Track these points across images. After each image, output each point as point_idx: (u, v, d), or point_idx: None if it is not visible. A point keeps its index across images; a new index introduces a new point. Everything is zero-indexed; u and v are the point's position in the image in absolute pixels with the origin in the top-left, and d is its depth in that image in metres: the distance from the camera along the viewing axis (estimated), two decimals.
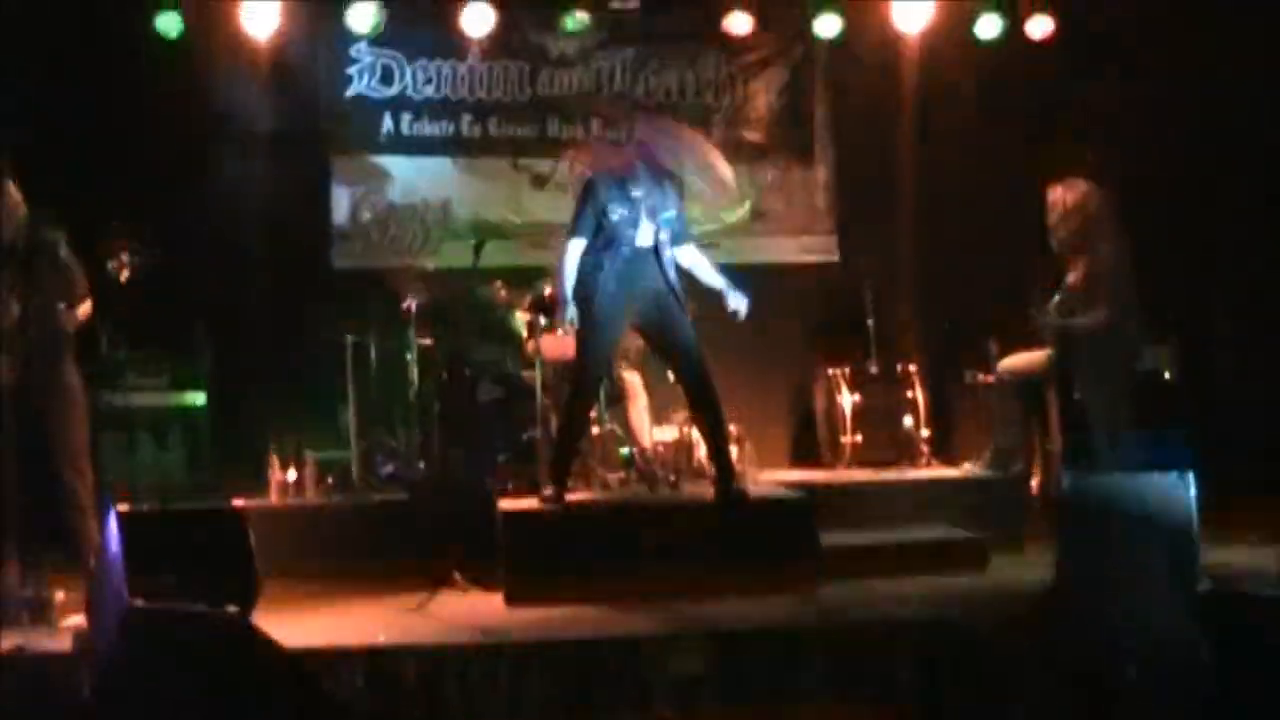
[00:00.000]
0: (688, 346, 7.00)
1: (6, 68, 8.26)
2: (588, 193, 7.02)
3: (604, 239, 6.89)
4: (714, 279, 7.20)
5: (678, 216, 7.08)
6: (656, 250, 6.92)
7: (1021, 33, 9.58)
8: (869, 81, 9.84)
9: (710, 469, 8.02)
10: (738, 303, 7.08)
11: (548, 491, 6.92)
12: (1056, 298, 7.46)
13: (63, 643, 5.71)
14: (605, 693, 5.40)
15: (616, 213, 6.87)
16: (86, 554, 6.48)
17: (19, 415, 6.66)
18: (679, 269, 7.04)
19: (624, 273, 6.86)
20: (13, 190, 6.75)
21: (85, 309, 6.82)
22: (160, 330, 7.71)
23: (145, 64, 9.02)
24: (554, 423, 7.63)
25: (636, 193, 6.92)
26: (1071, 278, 7.41)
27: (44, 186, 6.83)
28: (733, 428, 8.63)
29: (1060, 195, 7.48)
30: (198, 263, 8.74)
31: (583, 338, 6.97)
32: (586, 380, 7.04)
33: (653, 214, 6.93)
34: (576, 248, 6.96)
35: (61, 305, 6.69)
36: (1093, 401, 7.40)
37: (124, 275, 6.85)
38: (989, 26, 9.57)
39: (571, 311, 6.93)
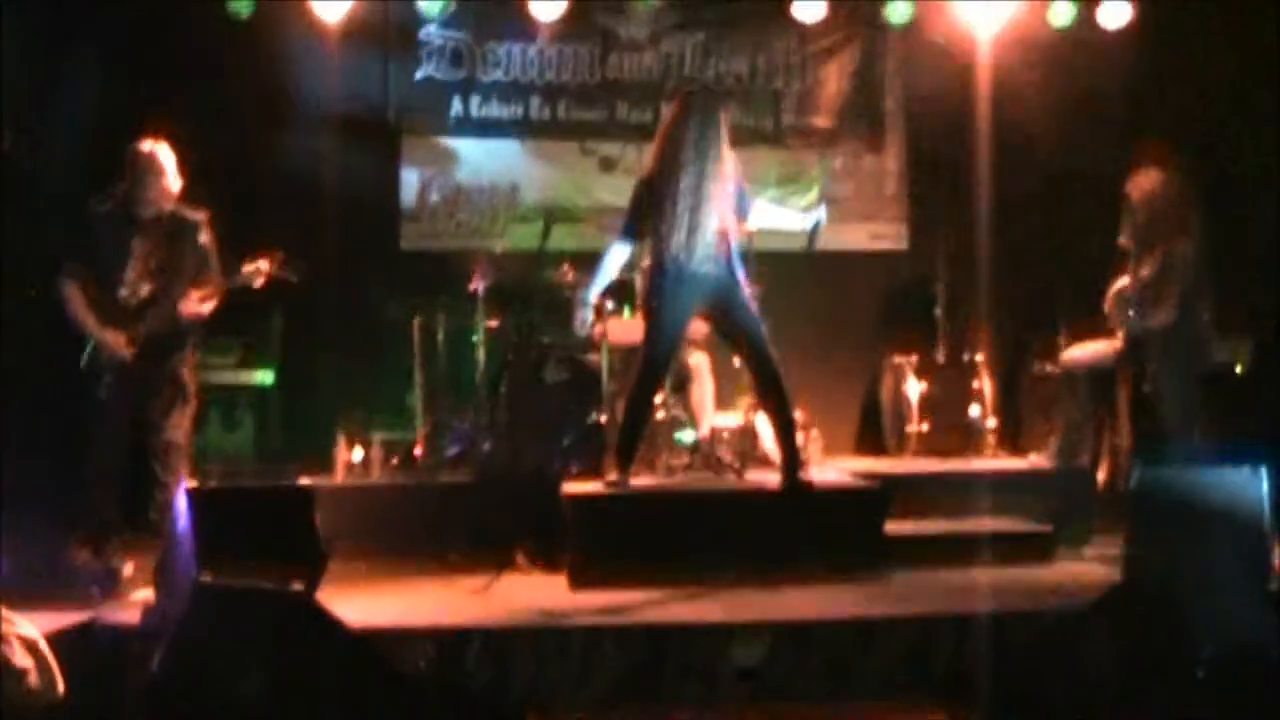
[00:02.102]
0: (754, 332, 6.93)
1: (84, 54, 8.37)
2: (644, 186, 6.95)
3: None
4: (789, 219, 7.35)
5: (735, 191, 6.91)
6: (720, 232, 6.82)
7: (1096, 21, 9.47)
8: (940, 68, 9.75)
9: (776, 456, 8.01)
10: (814, 218, 7.21)
11: (612, 476, 6.92)
12: (1129, 290, 7.38)
13: (132, 616, 5.77)
14: (669, 679, 5.38)
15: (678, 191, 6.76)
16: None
17: (129, 396, 6.71)
18: (744, 252, 6.95)
19: (702, 257, 6.76)
20: (161, 159, 6.76)
21: (209, 306, 6.84)
22: (230, 309, 7.74)
23: (217, 46, 9.08)
24: (620, 407, 7.62)
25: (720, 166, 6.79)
26: (1146, 270, 7.31)
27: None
28: (799, 415, 8.61)
29: (1139, 186, 7.39)
30: (268, 243, 8.79)
31: (650, 324, 6.94)
32: (652, 367, 6.98)
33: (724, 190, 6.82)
34: (621, 252, 7.01)
35: (192, 292, 6.73)
36: (1163, 395, 7.31)
37: (258, 282, 6.88)
38: (1061, 13, 9.47)
39: (587, 313, 7.01)
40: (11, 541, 5.98)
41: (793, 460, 6.93)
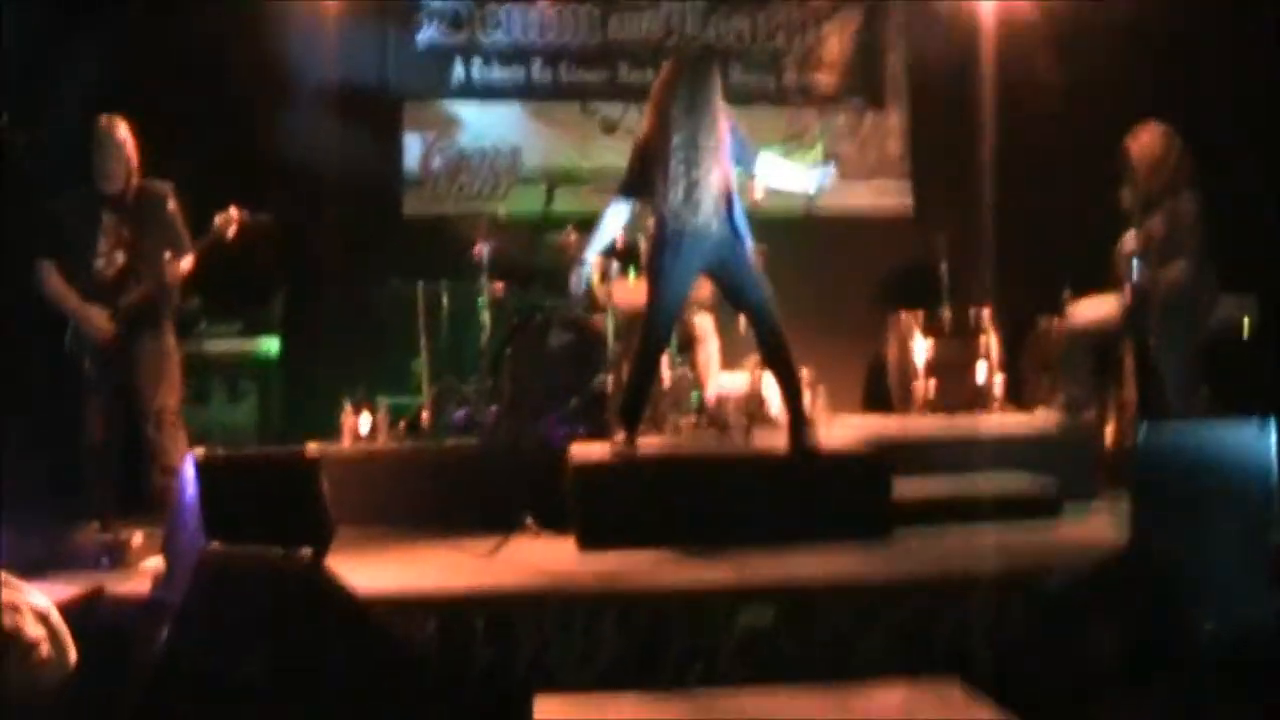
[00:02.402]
0: (757, 293, 6.90)
1: (87, 22, 8.35)
2: (643, 146, 6.93)
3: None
4: (795, 176, 7.23)
5: (735, 143, 6.84)
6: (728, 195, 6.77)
7: None
8: (944, 25, 9.72)
9: (784, 418, 8.01)
10: (822, 173, 7.17)
11: (619, 438, 6.92)
12: (1136, 247, 7.36)
13: (141, 586, 5.80)
14: (675, 645, 5.39)
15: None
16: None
17: (114, 370, 6.76)
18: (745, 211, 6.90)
19: (705, 219, 6.72)
20: (122, 133, 6.81)
21: (188, 263, 6.89)
22: (233, 279, 7.76)
23: (217, 13, 9.05)
24: (625, 370, 7.62)
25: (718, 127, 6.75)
26: (1152, 228, 7.28)
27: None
28: (805, 373, 8.61)
29: (1144, 144, 7.35)
30: (270, 211, 8.78)
31: (653, 284, 6.93)
32: (656, 328, 6.95)
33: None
34: (618, 212, 6.99)
35: (167, 255, 6.77)
36: (1167, 352, 7.30)
37: (231, 231, 6.89)
38: None
39: (585, 273, 7.03)
40: (13, 522, 6.00)
41: (800, 424, 6.90)
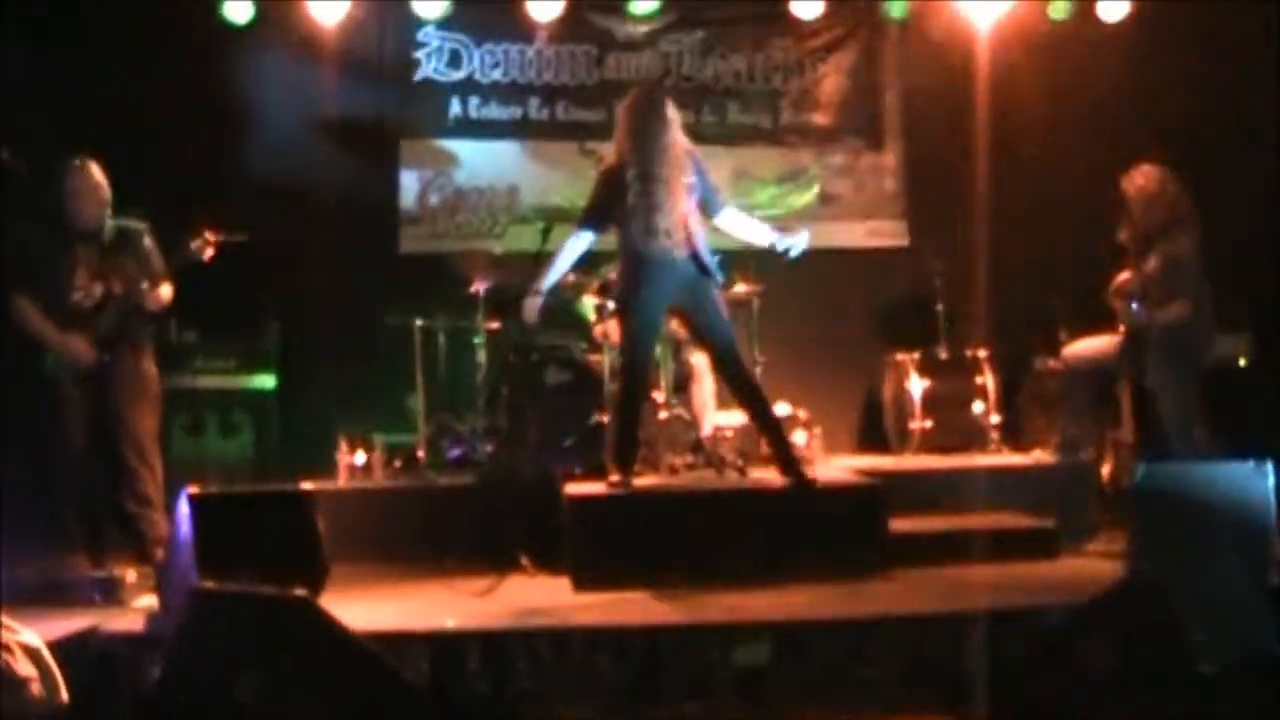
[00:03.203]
0: (722, 332, 6.95)
1: (78, 55, 8.37)
2: (604, 179, 7.05)
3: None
4: (761, 234, 7.15)
5: (700, 183, 6.93)
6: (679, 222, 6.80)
7: (1095, 15, 9.49)
8: (939, 65, 9.74)
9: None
10: (791, 242, 7.06)
11: (614, 478, 6.91)
12: (1131, 286, 7.36)
13: (134, 623, 5.78)
14: (671, 681, 5.37)
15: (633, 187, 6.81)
16: (148, 544, 6.57)
17: (93, 399, 6.77)
18: (708, 247, 6.93)
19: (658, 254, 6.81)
20: (97, 175, 6.87)
21: (166, 292, 6.94)
22: (229, 314, 7.75)
23: (214, 50, 9.08)
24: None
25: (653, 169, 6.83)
26: (1148, 267, 7.28)
27: (114, 172, 6.94)
28: (801, 413, 8.63)
29: (1140, 184, 7.36)
30: (266, 246, 8.79)
31: (625, 319, 6.99)
32: (634, 367, 6.98)
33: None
34: (578, 241, 7.05)
35: (144, 284, 6.79)
36: (1164, 391, 7.29)
37: (207, 253, 6.89)
38: (1059, 7, 9.50)
39: (536, 303, 7.04)
40: (5, 555, 5.98)
41: (788, 459, 6.92)
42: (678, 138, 6.88)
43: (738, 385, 7.04)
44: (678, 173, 6.80)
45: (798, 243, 7.07)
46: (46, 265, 6.82)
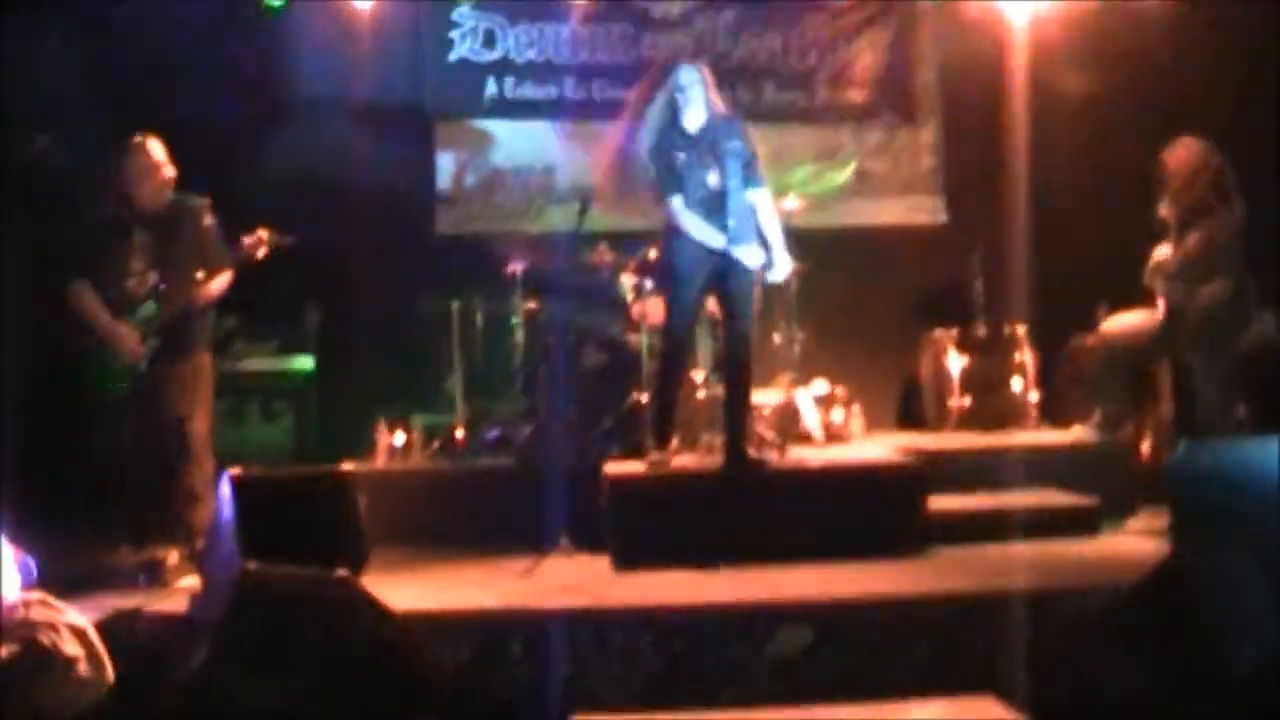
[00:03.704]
0: (742, 307, 6.88)
1: (114, 39, 8.42)
2: (654, 149, 6.97)
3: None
4: (771, 233, 6.96)
5: (744, 153, 6.83)
6: (725, 194, 6.72)
7: None
8: (976, 40, 9.69)
9: (817, 434, 8.01)
10: (775, 272, 6.96)
11: (653, 456, 6.92)
12: (1171, 262, 7.31)
13: (178, 605, 5.82)
14: (710, 663, 5.38)
15: (680, 155, 6.80)
16: (194, 537, 6.55)
17: (144, 389, 6.74)
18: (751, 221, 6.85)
19: (700, 218, 6.77)
20: (156, 156, 6.82)
21: (219, 283, 6.86)
22: (268, 297, 7.77)
23: (250, 33, 9.11)
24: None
25: (692, 128, 6.83)
26: (1189, 244, 7.22)
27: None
28: (839, 390, 8.62)
29: (1181, 159, 7.28)
30: (304, 230, 8.83)
31: (667, 295, 7.00)
32: (672, 339, 7.02)
33: (715, 149, 6.76)
34: (681, 202, 6.86)
35: (199, 274, 6.76)
36: (1203, 368, 7.24)
37: (260, 253, 6.87)
38: None
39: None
40: (51, 540, 6.03)
41: (735, 438, 6.90)
42: (714, 103, 6.86)
43: (731, 359, 7.00)
44: (714, 146, 6.75)
45: (777, 276, 7.02)
46: (104, 251, 6.77)
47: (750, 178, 6.86)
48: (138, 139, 6.81)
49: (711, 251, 6.75)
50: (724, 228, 6.70)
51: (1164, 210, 7.37)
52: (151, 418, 6.73)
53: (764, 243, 6.88)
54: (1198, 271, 7.18)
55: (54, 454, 7.37)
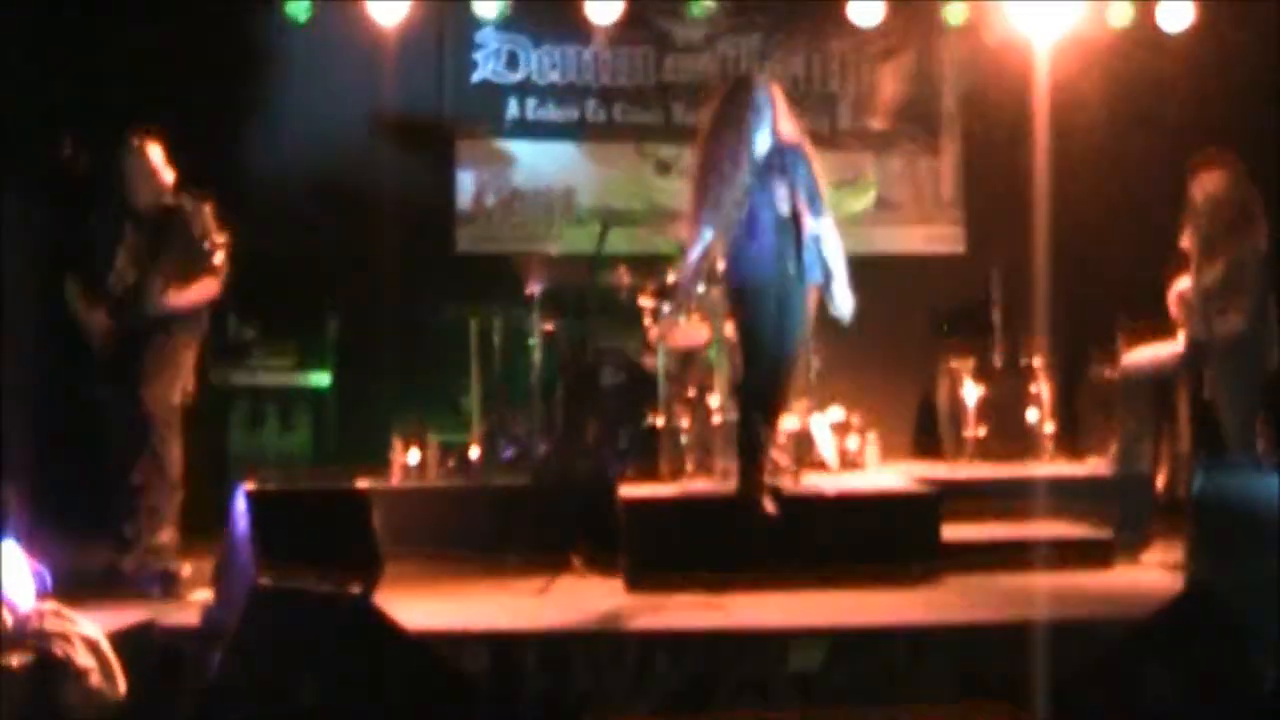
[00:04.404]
0: (790, 345, 6.66)
1: (138, 53, 8.46)
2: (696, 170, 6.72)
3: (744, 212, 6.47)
4: (835, 266, 6.63)
5: (811, 182, 6.55)
6: (795, 220, 6.46)
7: (1155, 21, 9.43)
8: (998, 70, 9.68)
9: (832, 461, 7.98)
10: (836, 308, 6.66)
11: (770, 507, 6.56)
12: (1192, 293, 7.28)
13: (190, 617, 5.82)
14: (725, 687, 5.37)
15: (747, 179, 6.48)
16: (134, 563, 6.54)
17: (124, 384, 6.67)
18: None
19: (770, 246, 6.47)
20: (154, 159, 6.84)
21: (203, 290, 6.82)
22: (287, 311, 7.79)
23: (273, 50, 9.15)
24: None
25: (760, 152, 6.51)
26: (1212, 274, 7.17)
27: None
28: (855, 417, 8.59)
29: (1203, 187, 7.25)
30: (324, 245, 8.86)
31: (744, 318, 6.66)
32: (758, 367, 6.62)
33: (783, 175, 6.50)
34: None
35: (158, 283, 6.66)
36: (1225, 400, 7.21)
37: (218, 259, 6.81)
38: (1171, 15, 9.45)
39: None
40: (59, 552, 6.03)
41: (750, 470, 6.60)
42: (780, 127, 6.59)
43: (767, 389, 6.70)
44: (779, 171, 6.51)
45: (843, 312, 6.70)
46: (97, 248, 6.78)
47: (815, 207, 6.59)
48: (136, 141, 6.82)
49: (779, 276, 6.49)
50: (795, 259, 6.49)
51: (1186, 239, 7.34)
52: (138, 412, 6.65)
53: (826, 276, 6.62)
54: (1221, 300, 7.12)
55: (64, 458, 7.38)
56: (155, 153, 6.86)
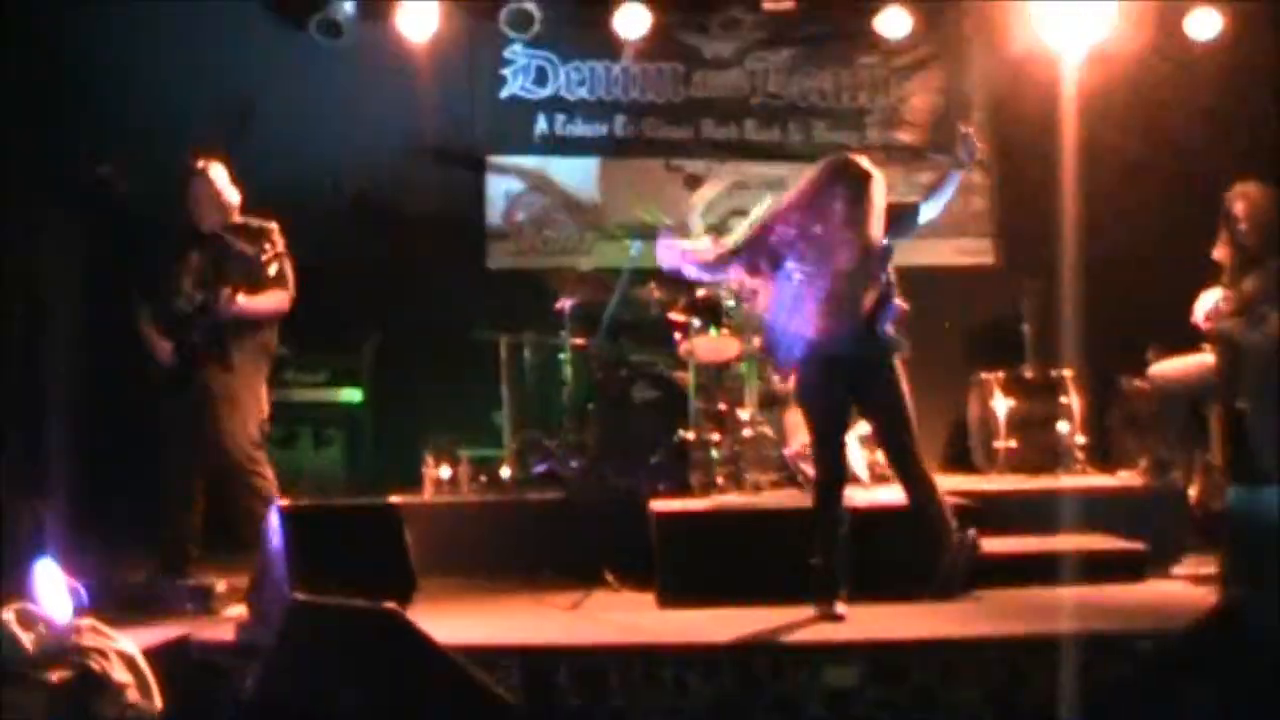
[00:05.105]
0: (892, 412, 6.32)
1: (178, 70, 8.54)
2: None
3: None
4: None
5: (881, 253, 6.26)
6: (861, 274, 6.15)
7: (1184, 33, 9.42)
8: (1027, 81, 9.69)
9: (864, 475, 7.95)
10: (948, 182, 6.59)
11: (823, 608, 6.09)
12: (1226, 305, 7.26)
13: (226, 633, 5.85)
14: (760, 702, 5.38)
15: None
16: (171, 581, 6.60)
17: (190, 408, 6.78)
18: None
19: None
20: (218, 181, 6.91)
21: (269, 301, 6.87)
22: (320, 328, 7.83)
23: (304, 67, 9.22)
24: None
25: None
26: (1247, 286, 7.17)
27: None
28: None
29: (1244, 198, 7.24)
30: (357, 261, 8.90)
31: (801, 407, 6.50)
32: (816, 454, 6.40)
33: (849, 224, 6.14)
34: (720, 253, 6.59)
35: (226, 291, 6.72)
36: (1259, 414, 7.19)
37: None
38: (1200, 24, 9.43)
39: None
40: (100, 568, 6.07)
41: (944, 536, 6.24)
42: (874, 218, 6.21)
43: (897, 462, 6.43)
44: (871, 258, 6.21)
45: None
46: (163, 269, 6.86)
47: (910, 225, 6.58)
48: (200, 164, 6.90)
49: (844, 359, 6.15)
50: (851, 342, 6.14)
51: (1220, 252, 7.33)
52: (200, 433, 6.74)
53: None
54: (1254, 314, 7.11)
55: (102, 475, 7.44)
56: (220, 174, 6.93)
